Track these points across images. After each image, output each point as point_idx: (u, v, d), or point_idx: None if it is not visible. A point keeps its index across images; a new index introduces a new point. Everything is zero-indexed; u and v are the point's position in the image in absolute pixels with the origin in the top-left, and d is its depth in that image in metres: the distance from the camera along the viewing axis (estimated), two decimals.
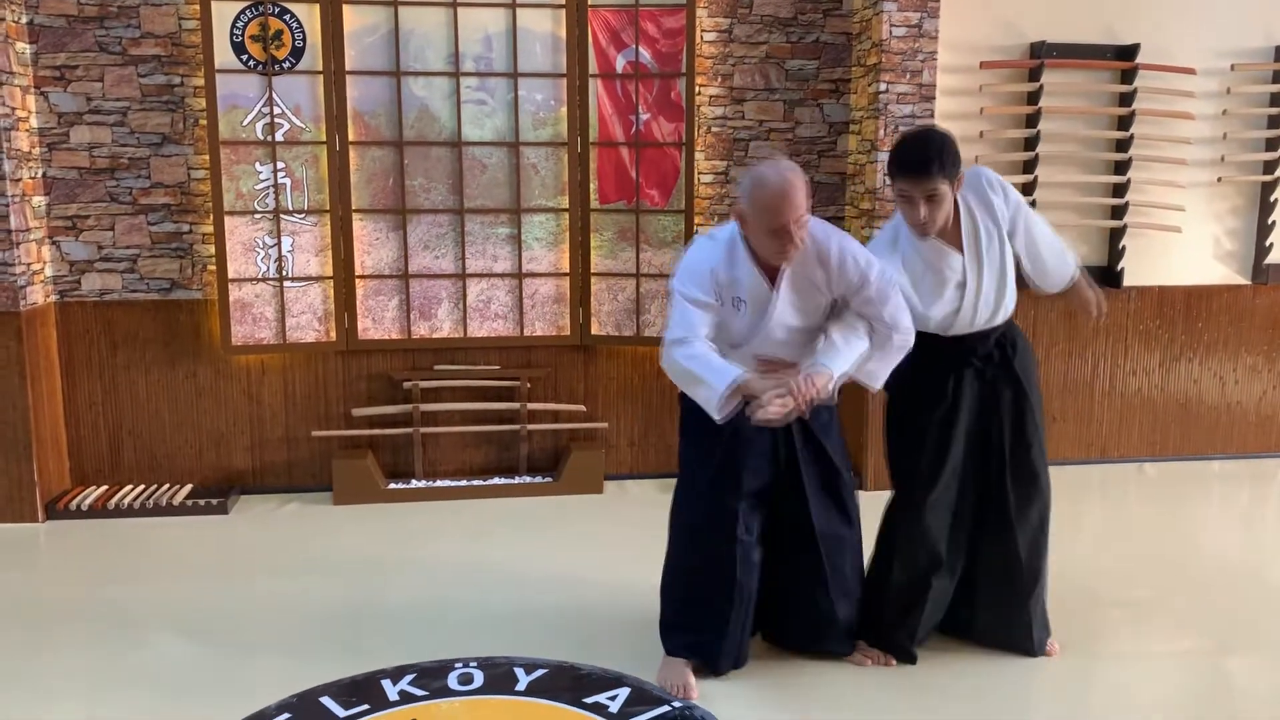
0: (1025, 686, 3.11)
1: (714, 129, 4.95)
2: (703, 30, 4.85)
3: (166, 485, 4.79)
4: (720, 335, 2.92)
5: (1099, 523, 4.63)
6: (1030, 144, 5.04)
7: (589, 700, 2.96)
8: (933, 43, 4.69)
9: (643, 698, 2.98)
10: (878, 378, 3.00)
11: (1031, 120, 5.03)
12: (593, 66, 4.79)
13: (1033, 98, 5.01)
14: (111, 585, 3.87)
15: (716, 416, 2.80)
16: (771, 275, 2.87)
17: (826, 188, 5.05)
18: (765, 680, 3.11)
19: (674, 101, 4.80)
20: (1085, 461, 5.37)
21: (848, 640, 3.20)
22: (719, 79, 4.92)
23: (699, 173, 4.93)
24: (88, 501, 4.59)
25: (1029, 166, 5.05)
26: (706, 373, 2.80)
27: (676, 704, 2.94)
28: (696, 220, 4.91)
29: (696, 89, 4.83)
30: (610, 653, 3.24)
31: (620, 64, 4.80)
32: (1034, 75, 4.99)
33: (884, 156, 4.71)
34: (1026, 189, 5.04)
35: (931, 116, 4.75)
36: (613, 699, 2.97)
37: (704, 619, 3.06)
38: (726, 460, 2.98)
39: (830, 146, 5.03)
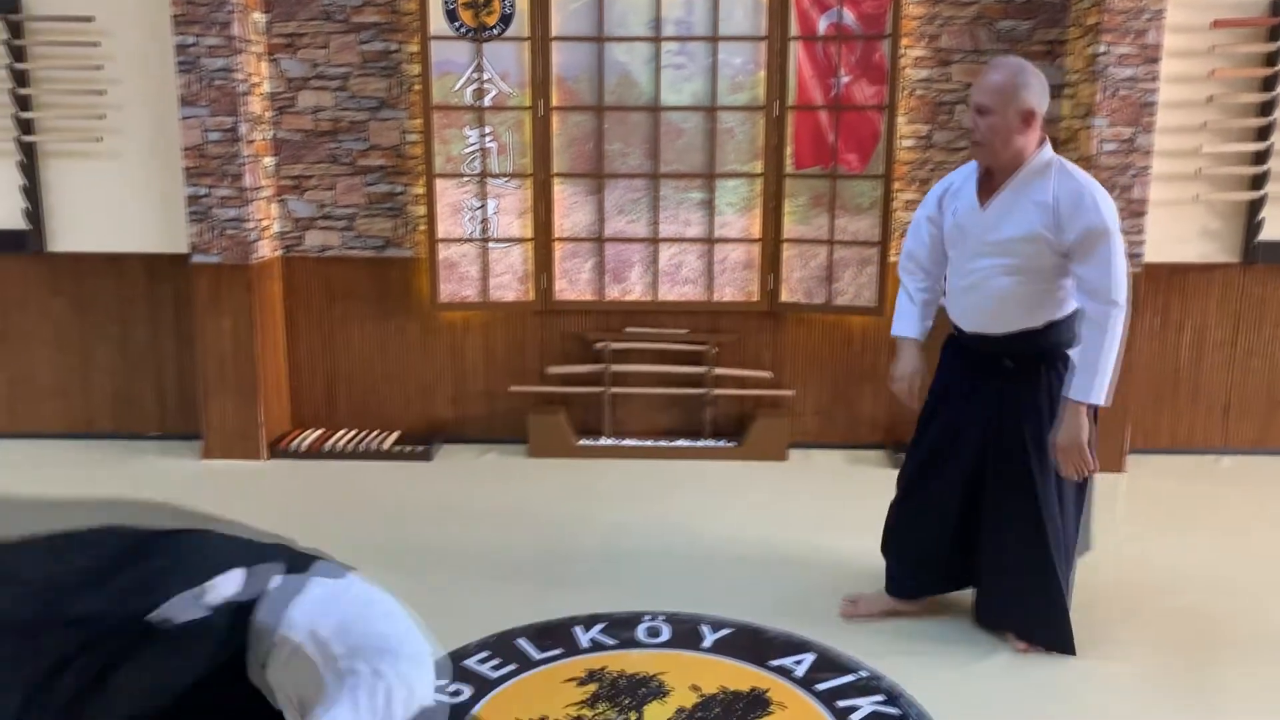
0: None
1: (918, 92, 4.81)
2: None
3: (376, 431, 5.10)
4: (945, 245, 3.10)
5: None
6: (1266, 109, 4.66)
7: (774, 663, 2.99)
8: (1159, 0, 4.39)
9: (829, 664, 2.99)
10: (1094, 376, 2.80)
11: (1269, 84, 4.65)
12: (794, 29, 4.74)
13: (1271, 59, 4.62)
14: (326, 521, 4.16)
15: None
16: (991, 191, 2.91)
17: None
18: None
19: (877, 64, 4.69)
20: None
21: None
22: (925, 40, 4.77)
23: (900, 137, 4.80)
24: (306, 443, 4.94)
25: (1263, 133, 4.67)
26: (898, 312, 3.25)
27: (864, 673, 2.94)
28: (895, 186, 4.79)
29: (901, 50, 4.70)
30: (795, 618, 3.26)
31: (822, 26, 4.72)
32: (1274, 34, 4.60)
33: (1100, 122, 4.48)
34: (1259, 158, 4.68)
35: (1155, 80, 4.46)
36: (798, 663, 2.99)
37: None
38: None
39: None
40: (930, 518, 3.19)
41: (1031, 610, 3.06)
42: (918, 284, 3.21)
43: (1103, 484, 4.59)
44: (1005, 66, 2.82)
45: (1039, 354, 2.95)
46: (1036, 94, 2.79)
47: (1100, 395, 2.80)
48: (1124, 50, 4.43)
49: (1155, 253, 4.76)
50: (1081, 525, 3.08)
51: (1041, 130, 2.86)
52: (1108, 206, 2.81)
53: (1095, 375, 2.79)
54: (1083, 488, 3.01)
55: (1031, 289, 2.88)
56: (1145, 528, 4.18)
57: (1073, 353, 2.89)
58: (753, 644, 3.10)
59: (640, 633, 3.17)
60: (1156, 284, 4.86)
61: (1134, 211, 4.56)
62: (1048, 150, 2.86)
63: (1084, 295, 2.84)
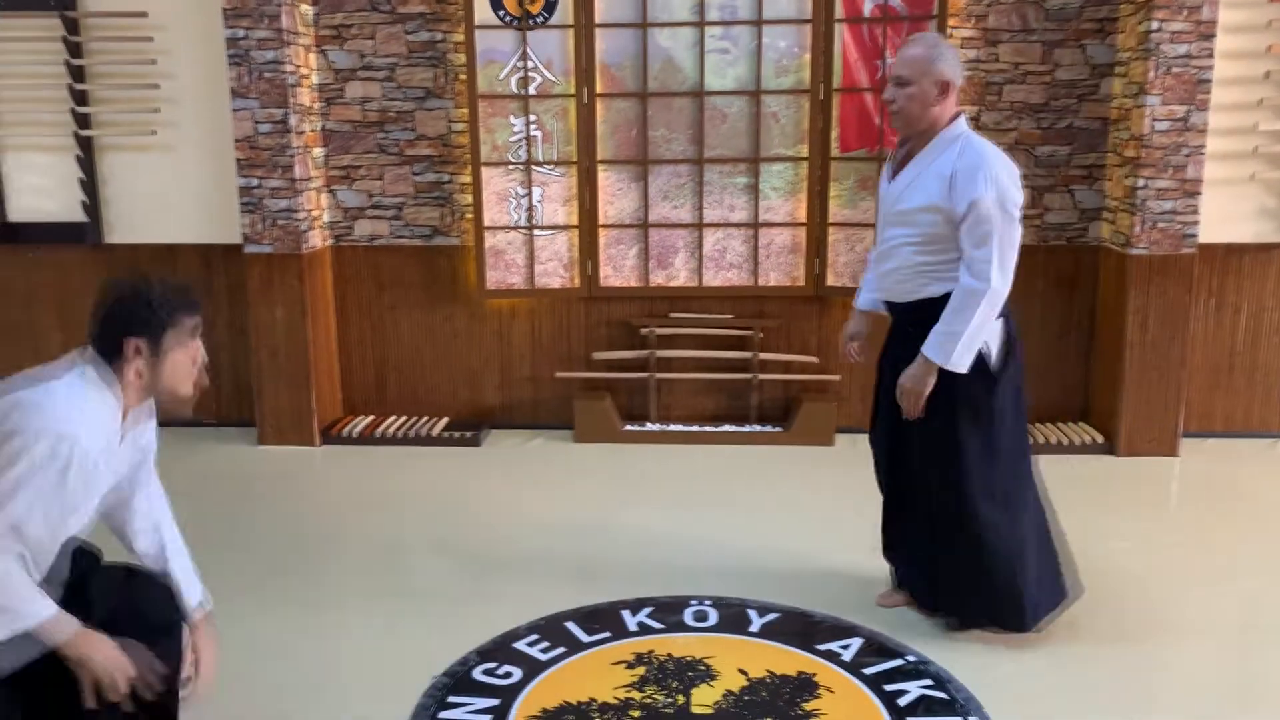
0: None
1: (965, 72, 4.73)
2: None
3: (426, 417, 5.16)
4: None
5: None
6: None
7: (822, 647, 3.00)
8: None
9: (877, 649, 3.00)
10: (949, 341, 2.80)
11: None
12: (839, 11, 4.70)
13: None
14: (377, 507, 4.23)
15: None
16: (904, 163, 2.95)
17: (1087, 133, 4.76)
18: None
19: None
20: None
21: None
22: (972, 20, 4.71)
23: None
24: (357, 429, 5.02)
25: None
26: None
27: (911, 657, 2.94)
28: None
29: (948, 31, 4.64)
30: (842, 603, 3.27)
31: (868, 7, 4.68)
32: None
33: (1153, 100, 4.40)
34: None
35: (1210, 56, 4.37)
36: (845, 648, 3.00)
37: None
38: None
39: (1092, 90, 4.73)
40: (888, 497, 3.25)
41: (962, 582, 3.01)
42: (871, 256, 3.24)
43: (1157, 468, 4.57)
44: (922, 40, 2.93)
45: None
46: (951, 65, 2.84)
47: (950, 361, 2.80)
48: (1177, 26, 4.34)
49: (1210, 233, 4.67)
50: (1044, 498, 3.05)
51: (957, 106, 2.89)
52: (1002, 185, 2.76)
53: (951, 341, 2.80)
54: (1021, 459, 2.99)
55: (933, 259, 2.88)
56: (1199, 512, 4.12)
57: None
58: (800, 628, 3.12)
59: (687, 616, 3.20)
60: (1211, 265, 4.77)
61: (1188, 191, 4.48)
62: (960, 124, 2.88)
63: (963, 267, 2.82)
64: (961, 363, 2.81)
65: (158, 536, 2.37)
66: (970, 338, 2.79)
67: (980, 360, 2.86)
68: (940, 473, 2.96)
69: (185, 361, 2.19)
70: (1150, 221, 4.51)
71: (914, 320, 2.94)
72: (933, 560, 3.07)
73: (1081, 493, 4.28)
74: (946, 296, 2.85)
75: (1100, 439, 4.77)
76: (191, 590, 2.37)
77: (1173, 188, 4.49)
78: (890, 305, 3.07)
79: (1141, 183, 4.47)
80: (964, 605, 3.06)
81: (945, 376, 2.86)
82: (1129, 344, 4.61)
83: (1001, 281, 2.79)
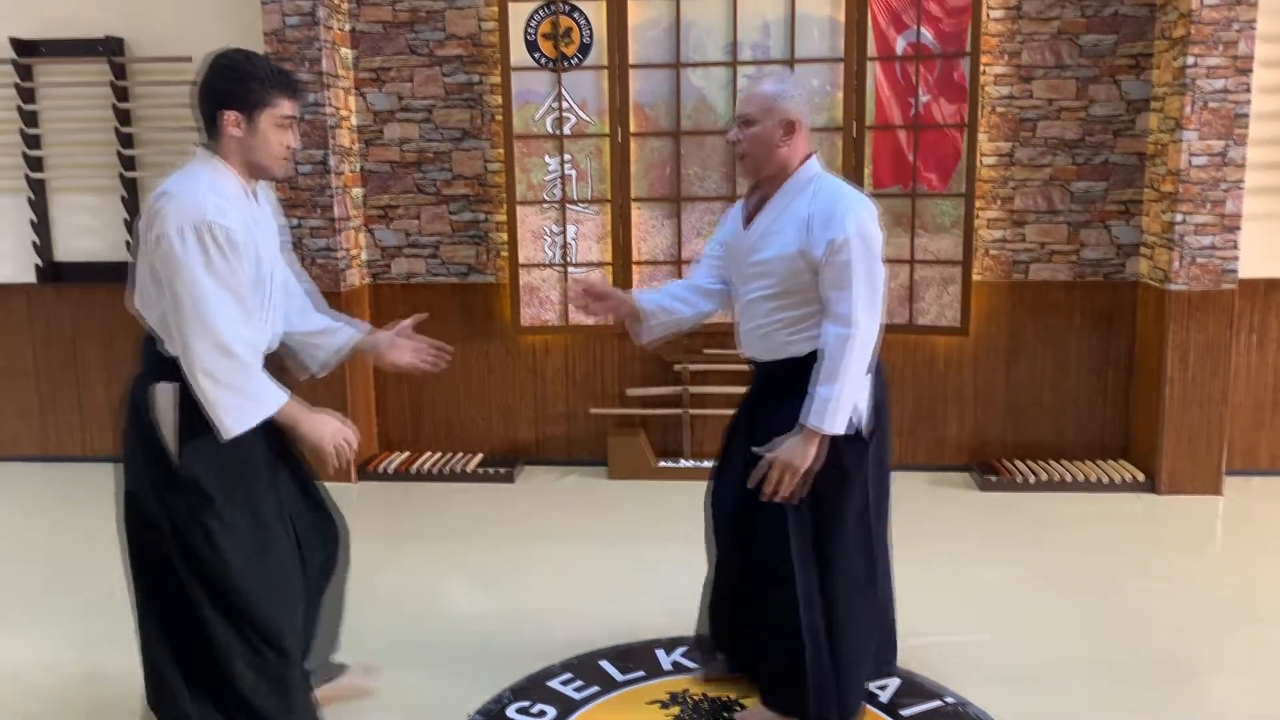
0: None
1: (998, 109, 4.75)
2: (989, 7, 4.67)
3: (460, 453, 5.19)
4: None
5: None
6: None
7: None
8: (1251, 10, 4.28)
9: (914, 690, 2.96)
10: (828, 403, 2.49)
11: None
12: (871, 49, 4.73)
13: None
14: (413, 542, 4.25)
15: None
16: (757, 211, 2.72)
17: (1123, 169, 4.74)
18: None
19: (956, 82, 4.65)
20: None
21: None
22: (1005, 57, 4.72)
23: (981, 155, 4.76)
24: (393, 465, 5.05)
25: None
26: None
27: (949, 699, 2.90)
28: (978, 204, 4.74)
29: (981, 68, 4.65)
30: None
31: (900, 45, 4.71)
32: None
33: (1190, 135, 4.37)
34: None
35: (1247, 91, 4.34)
36: (882, 688, 2.96)
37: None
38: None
39: (1128, 125, 4.72)
40: (721, 571, 2.96)
41: (775, 664, 2.73)
42: (674, 287, 2.97)
43: (1199, 506, 4.49)
44: (767, 78, 2.70)
45: (804, 385, 2.58)
46: (797, 103, 2.62)
47: (834, 424, 2.51)
48: (1214, 62, 4.33)
49: (1250, 268, 4.62)
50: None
51: (809, 146, 2.69)
52: (862, 222, 2.53)
53: (829, 402, 2.50)
54: (869, 540, 2.72)
55: (795, 313, 2.63)
56: (1244, 551, 4.04)
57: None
58: None
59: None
60: (1253, 300, 4.72)
61: (1227, 226, 4.44)
62: (812, 165, 2.67)
63: (827, 316, 2.56)
64: (837, 424, 2.52)
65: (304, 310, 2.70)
66: (848, 393, 2.52)
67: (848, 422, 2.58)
68: (784, 554, 2.64)
69: (277, 142, 2.39)
70: (1189, 257, 4.47)
71: (777, 381, 2.70)
72: (762, 647, 2.77)
73: (1122, 532, 4.23)
74: (812, 356, 2.59)
75: (1141, 477, 4.70)
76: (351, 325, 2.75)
77: (1211, 223, 4.45)
78: (753, 363, 2.81)
79: (1180, 218, 4.44)
80: (786, 699, 2.73)
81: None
82: (1169, 380, 4.56)
83: (869, 322, 2.52)
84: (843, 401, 2.51)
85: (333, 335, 2.74)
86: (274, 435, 2.51)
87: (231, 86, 2.35)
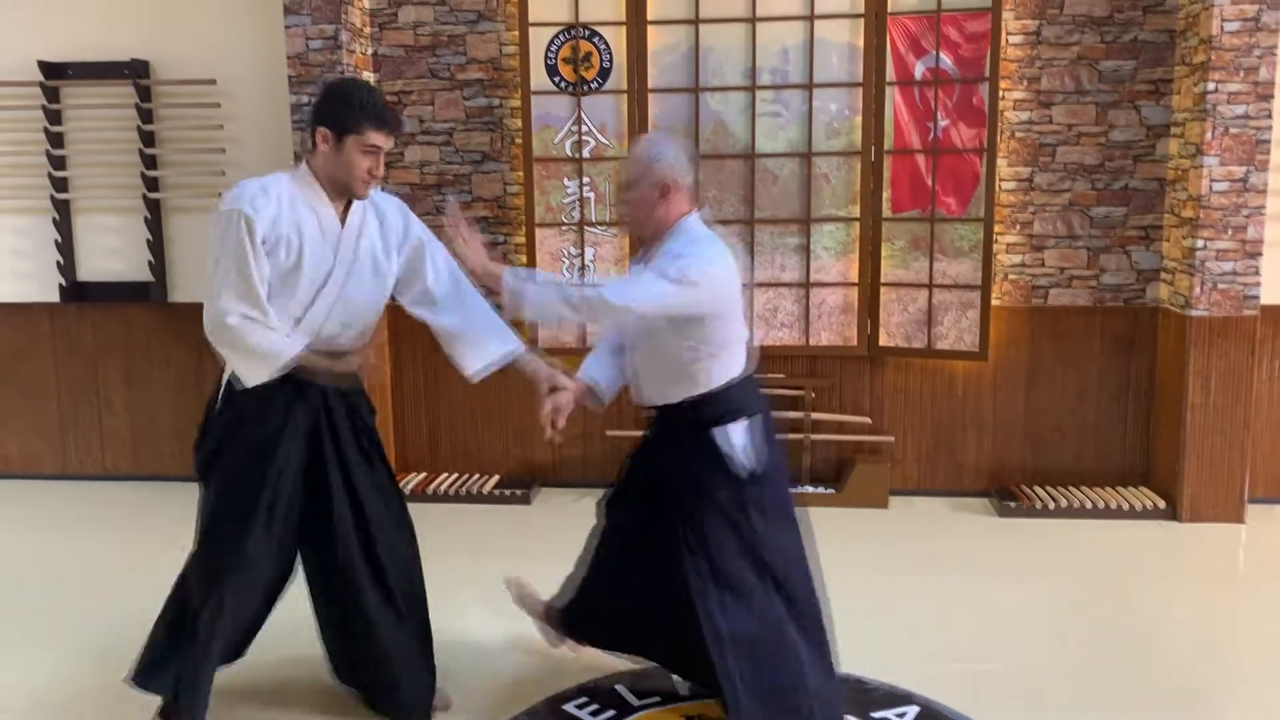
0: None
1: (1018, 134, 4.75)
2: (1008, 33, 4.68)
3: (477, 475, 5.20)
4: None
5: None
6: None
7: (876, 715, 2.94)
8: (1272, 36, 4.28)
9: (934, 719, 2.93)
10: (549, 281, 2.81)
11: None
12: (890, 74, 4.74)
13: None
14: (430, 564, 4.22)
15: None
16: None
17: (1143, 194, 4.73)
18: None
19: (975, 107, 4.65)
20: None
21: None
22: (1024, 82, 4.73)
23: (1000, 179, 4.75)
24: (410, 486, 5.06)
25: None
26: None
27: None
28: (997, 229, 4.74)
29: (1000, 93, 4.66)
30: (896, 670, 3.20)
31: (919, 70, 4.72)
32: None
33: (1211, 161, 4.36)
34: None
35: (1269, 116, 4.33)
36: (901, 716, 2.94)
37: None
38: None
39: (1148, 150, 4.71)
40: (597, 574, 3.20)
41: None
42: (602, 350, 3.06)
43: (1221, 534, 4.45)
44: (642, 142, 2.80)
45: (690, 428, 2.71)
46: (671, 165, 2.65)
47: (520, 294, 2.67)
48: (1234, 87, 4.32)
49: (1272, 294, 4.59)
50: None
51: (691, 202, 2.71)
52: (694, 254, 2.58)
53: (546, 285, 2.70)
54: (747, 583, 2.71)
55: (665, 363, 2.72)
56: (1266, 580, 4.00)
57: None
58: (853, 695, 3.05)
59: None
60: (1275, 326, 4.69)
61: (1249, 252, 4.42)
62: (688, 222, 2.69)
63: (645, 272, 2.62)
64: (523, 301, 2.66)
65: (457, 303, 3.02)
66: (556, 297, 2.65)
67: (724, 462, 2.67)
68: (688, 599, 2.68)
69: (360, 165, 2.63)
70: (1210, 283, 4.44)
71: (677, 420, 2.77)
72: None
73: (1143, 559, 4.19)
74: (692, 403, 2.70)
75: (1162, 504, 4.66)
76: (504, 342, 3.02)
77: (1233, 249, 4.43)
78: (651, 407, 2.88)
79: (1200, 244, 4.42)
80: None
81: (703, 481, 2.69)
82: (1190, 407, 4.52)
83: (639, 305, 2.56)
84: (547, 293, 2.67)
85: (475, 344, 3.03)
86: (329, 439, 2.87)
87: (329, 108, 2.62)
